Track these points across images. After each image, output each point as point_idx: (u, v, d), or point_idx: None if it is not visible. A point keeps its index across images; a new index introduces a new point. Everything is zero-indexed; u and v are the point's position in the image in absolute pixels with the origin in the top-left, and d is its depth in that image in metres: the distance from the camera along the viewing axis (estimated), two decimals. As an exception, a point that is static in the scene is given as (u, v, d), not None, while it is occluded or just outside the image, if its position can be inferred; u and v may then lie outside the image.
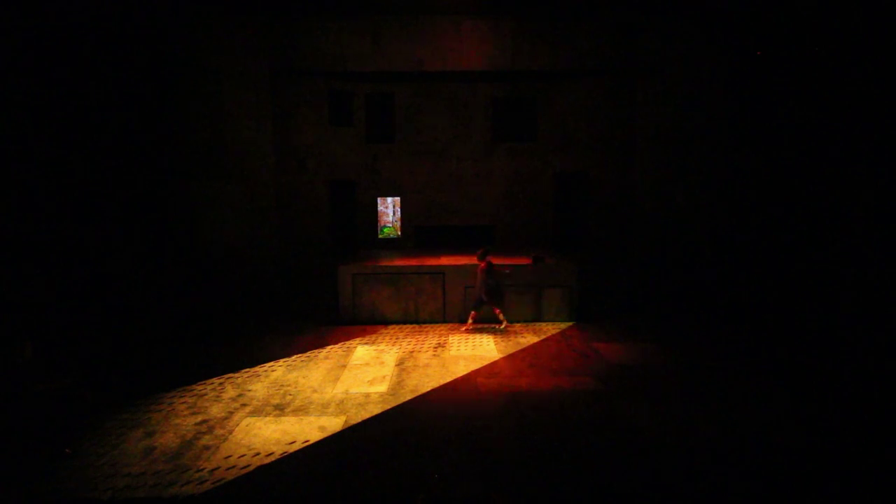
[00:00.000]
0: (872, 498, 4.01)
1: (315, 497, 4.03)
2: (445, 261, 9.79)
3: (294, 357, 7.45)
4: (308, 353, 7.62)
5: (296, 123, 11.67)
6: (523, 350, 7.74)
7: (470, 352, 7.67)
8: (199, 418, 5.39)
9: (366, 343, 8.19)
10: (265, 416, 5.42)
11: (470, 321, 8.74)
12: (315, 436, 4.97)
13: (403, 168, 12.56)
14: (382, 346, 7.99)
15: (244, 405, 5.73)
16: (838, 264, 8.68)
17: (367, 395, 5.98)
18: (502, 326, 8.75)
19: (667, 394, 5.97)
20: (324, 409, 5.62)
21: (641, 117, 10.88)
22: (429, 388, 6.20)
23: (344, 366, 7.06)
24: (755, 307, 9.67)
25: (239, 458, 4.57)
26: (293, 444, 4.80)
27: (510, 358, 7.36)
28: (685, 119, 10.73)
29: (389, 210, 14.30)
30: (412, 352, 7.71)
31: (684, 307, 10.24)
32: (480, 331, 8.83)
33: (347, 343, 8.19)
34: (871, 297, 7.97)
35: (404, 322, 9.25)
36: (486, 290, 8.48)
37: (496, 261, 9.74)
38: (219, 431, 5.09)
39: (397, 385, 6.32)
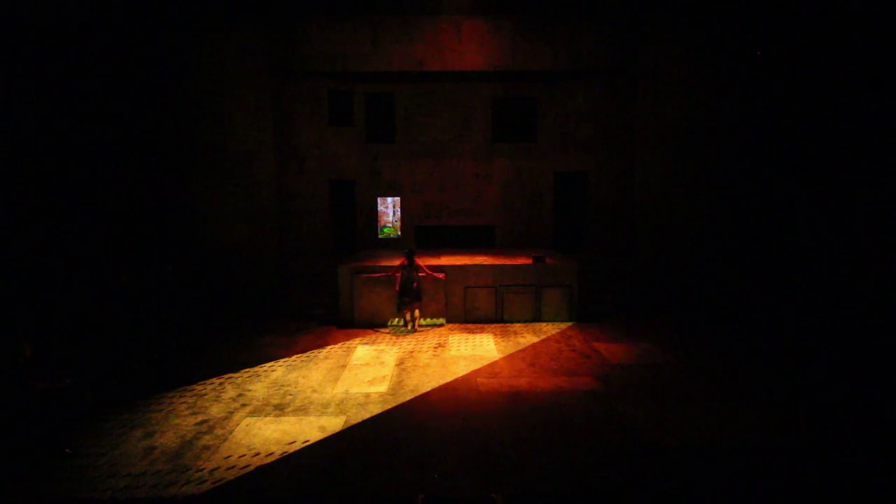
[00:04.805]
0: (873, 497, 4.01)
1: (315, 497, 4.02)
2: (445, 261, 9.79)
3: (294, 357, 7.45)
4: (308, 353, 7.62)
5: (296, 123, 11.65)
6: (523, 350, 7.74)
7: (470, 352, 7.67)
8: (199, 418, 5.39)
9: (366, 343, 8.19)
10: (265, 416, 5.42)
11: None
12: (315, 436, 4.97)
13: (403, 168, 12.56)
14: (382, 346, 7.99)
15: (244, 405, 5.73)
16: (840, 264, 8.68)
17: (367, 395, 5.98)
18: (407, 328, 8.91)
19: (666, 394, 5.97)
20: (324, 409, 5.62)
21: (641, 117, 10.85)
22: (429, 388, 6.20)
23: (344, 366, 7.06)
24: (755, 307, 9.66)
25: (239, 458, 4.57)
26: (293, 445, 4.80)
27: (510, 358, 7.36)
28: (685, 119, 10.71)
29: (389, 210, 14.29)
30: (412, 352, 7.71)
31: (684, 307, 10.24)
32: (481, 331, 8.84)
33: (347, 343, 8.19)
34: (875, 297, 7.96)
35: (404, 322, 9.23)
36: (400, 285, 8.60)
37: (494, 261, 9.76)
38: (219, 431, 5.09)
39: (397, 385, 6.32)
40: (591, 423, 5.23)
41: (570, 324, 9.24)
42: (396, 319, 9.09)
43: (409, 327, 8.76)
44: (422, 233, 12.77)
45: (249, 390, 6.17)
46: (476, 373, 6.75)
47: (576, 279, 9.42)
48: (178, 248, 10.26)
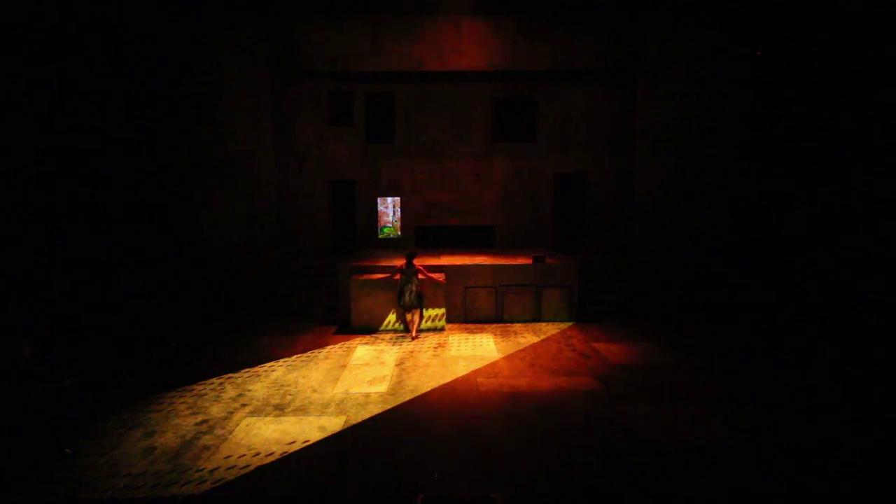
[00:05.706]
0: (873, 497, 4.01)
1: (315, 497, 4.03)
2: (445, 261, 9.78)
3: (294, 357, 7.45)
4: (308, 354, 7.62)
5: (296, 123, 11.65)
6: (523, 350, 7.74)
7: (470, 352, 7.67)
8: (199, 418, 5.39)
9: (366, 343, 8.19)
10: (265, 416, 5.42)
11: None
12: (315, 436, 4.97)
13: (403, 168, 12.56)
14: (382, 347, 7.99)
15: (244, 405, 5.73)
16: (840, 264, 8.67)
17: (367, 395, 5.98)
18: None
19: (666, 394, 5.97)
20: (324, 409, 5.62)
21: (641, 117, 10.85)
22: (429, 388, 6.20)
23: (344, 366, 7.06)
24: (755, 307, 9.66)
25: (239, 458, 4.57)
26: (293, 445, 4.80)
27: (510, 358, 7.36)
28: (685, 119, 10.71)
29: (389, 210, 14.29)
30: (412, 352, 7.71)
31: (684, 307, 10.24)
32: (481, 331, 8.84)
33: (347, 343, 8.19)
34: (875, 297, 7.96)
35: (405, 327, 9.22)
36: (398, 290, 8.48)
37: (494, 261, 9.76)
38: (219, 431, 5.09)
39: (397, 385, 6.32)
40: (591, 423, 5.23)
41: (570, 324, 9.24)
42: (397, 321, 9.03)
43: (410, 336, 8.50)
44: (422, 233, 12.77)
45: (249, 390, 6.17)
46: (476, 373, 6.75)
47: (576, 279, 9.42)
48: (178, 248, 10.25)
